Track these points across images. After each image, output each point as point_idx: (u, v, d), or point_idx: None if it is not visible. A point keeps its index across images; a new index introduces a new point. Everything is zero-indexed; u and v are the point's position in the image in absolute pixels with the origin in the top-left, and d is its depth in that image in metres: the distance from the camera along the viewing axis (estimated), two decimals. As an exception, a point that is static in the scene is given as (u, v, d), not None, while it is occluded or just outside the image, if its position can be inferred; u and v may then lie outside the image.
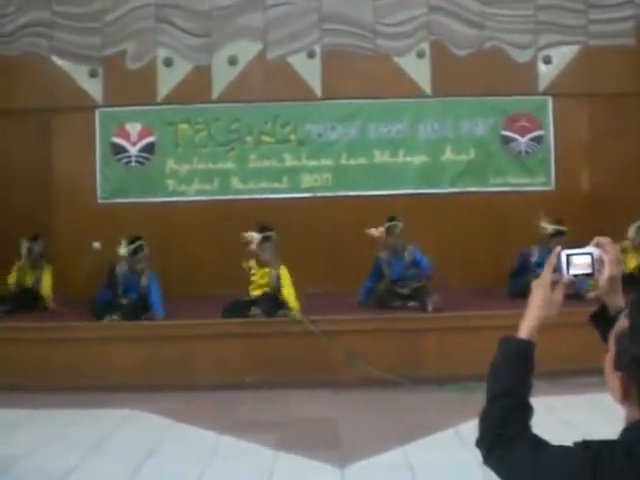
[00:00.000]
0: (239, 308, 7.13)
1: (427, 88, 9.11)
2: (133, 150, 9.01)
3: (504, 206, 8.95)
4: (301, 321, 6.76)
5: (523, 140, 9.14)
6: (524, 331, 1.58)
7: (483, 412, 1.55)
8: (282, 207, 8.85)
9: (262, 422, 5.71)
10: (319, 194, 9.02)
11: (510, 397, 1.51)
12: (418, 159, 9.14)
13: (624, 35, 9.21)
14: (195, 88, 9.01)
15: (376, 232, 7.51)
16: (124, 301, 7.34)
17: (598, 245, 1.60)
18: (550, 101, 9.19)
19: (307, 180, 9.04)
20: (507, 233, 8.69)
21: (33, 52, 8.95)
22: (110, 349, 6.77)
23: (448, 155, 9.12)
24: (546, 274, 1.61)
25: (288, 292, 7.09)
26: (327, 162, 9.06)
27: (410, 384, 6.46)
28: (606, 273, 1.58)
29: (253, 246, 7.15)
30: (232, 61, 9.00)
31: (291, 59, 9.04)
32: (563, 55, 9.20)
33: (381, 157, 9.09)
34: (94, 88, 9.13)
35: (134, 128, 9.01)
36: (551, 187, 9.17)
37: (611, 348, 1.35)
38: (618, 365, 1.32)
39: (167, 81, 9.05)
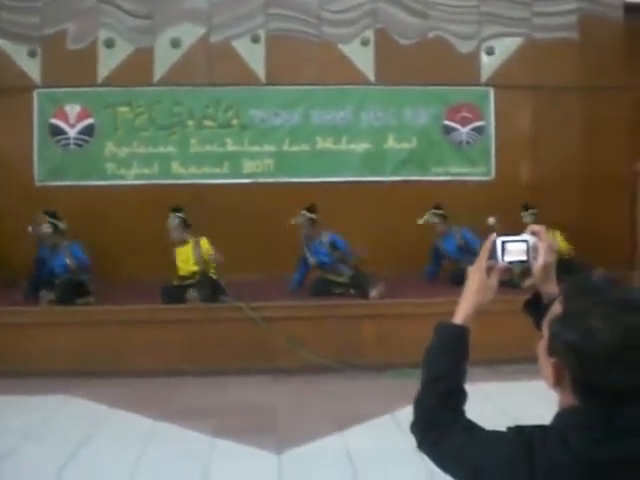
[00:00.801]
0: (175, 293, 7.12)
1: (371, 76, 9.19)
2: (72, 132, 8.92)
3: (445, 195, 9.03)
4: (240, 307, 6.77)
5: (464, 130, 9.29)
6: (459, 317, 1.60)
7: (417, 397, 1.57)
8: (223, 192, 8.87)
9: (200, 409, 5.76)
10: (260, 180, 8.98)
11: (444, 382, 1.54)
12: (361, 147, 9.22)
13: (567, 28, 9.40)
14: (136, 70, 8.95)
15: (293, 221, 7.57)
16: (56, 281, 7.27)
17: (533, 233, 1.62)
18: (492, 92, 9.35)
19: (249, 165, 9.06)
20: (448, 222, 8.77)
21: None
22: (46, 334, 6.71)
23: (391, 143, 9.22)
24: (481, 260, 1.63)
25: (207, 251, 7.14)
26: (269, 148, 9.10)
27: (349, 370, 6.53)
28: (540, 260, 1.61)
29: (172, 229, 7.22)
30: (175, 44, 8.94)
31: (235, 43, 9.04)
32: (506, 47, 9.35)
33: (324, 144, 9.15)
34: (33, 68, 9.01)
35: (73, 110, 8.92)
36: (491, 177, 9.34)
37: (545, 334, 1.38)
38: (551, 351, 1.34)
39: (108, 63, 8.96)
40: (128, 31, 8.95)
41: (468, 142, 9.32)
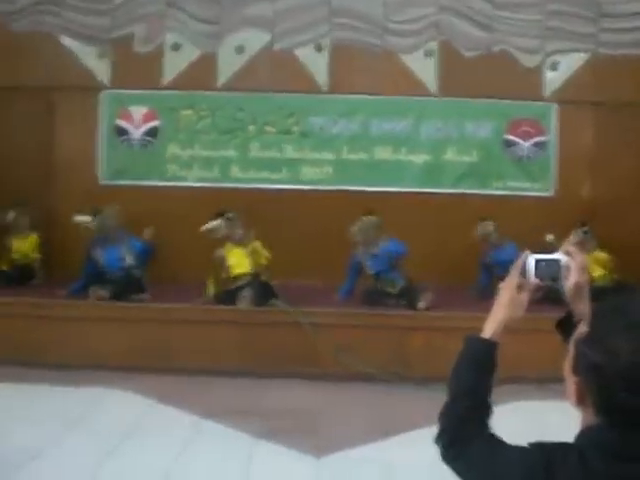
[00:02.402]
0: (228, 296, 7.28)
1: (433, 87, 9.31)
2: (136, 133, 9.23)
3: (504, 210, 9.04)
4: (290, 312, 6.90)
5: (526, 145, 9.29)
6: (488, 331, 1.64)
7: (444, 409, 1.61)
8: (281, 198, 9.08)
9: (244, 409, 5.93)
10: (319, 187, 9.12)
11: (471, 396, 1.58)
12: (420, 158, 9.34)
13: (634, 45, 9.34)
14: (201, 75, 9.24)
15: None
16: (111, 277, 7.50)
17: (567, 253, 1.65)
18: (555, 107, 9.32)
19: (307, 172, 9.20)
20: (505, 236, 8.77)
21: (42, 30, 9.12)
22: (95, 329, 6.94)
23: (450, 155, 9.31)
24: (512, 276, 1.67)
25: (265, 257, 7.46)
26: (328, 156, 9.26)
27: (395, 381, 6.59)
28: (572, 280, 1.63)
29: (221, 232, 7.37)
30: (239, 50, 9.20)
31: (298, 51, 9.23)
32: (571, 62, 9.37)
33: (382, 153, 9.28)
34: (101, 69, 9.34)
35: (138, 111, 9.20)
36: (551, 193, 9.31)
37: (570, 352, 1.40)
38: (575, 370, 1.36)
39: (173, 66, 9.26)
40: (194, 35, 9.22)
41: (529, 157, 9.35)
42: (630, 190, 9.23)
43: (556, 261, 1.64)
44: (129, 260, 7.69)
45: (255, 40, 9.27)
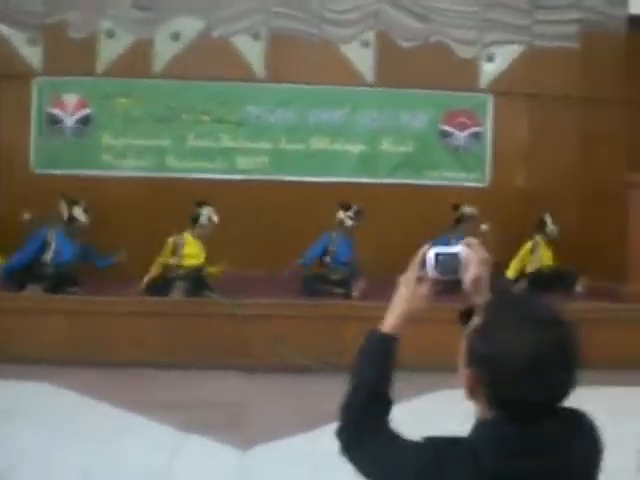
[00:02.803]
0: (164, 285, 7.25)
1: (370, 77, 9.38)
2: (69, 121, 9.08)
3: (439, 200, 9.14)
4: (223, 303, 6.89)
5: (461, 135, 9.38)
6: (387, 325, 1.65)
7: (344, 403, 1.61)
8: (217, 188, 9.03)
9: (173, 402, 5.90)
10: (255, 177, 9.09)
11: (370, 389, 1.58)
12: (356, 148, 9.38)
13: (569, 38, 9.52)
14: (136, 62, 9.18)
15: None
16: (50, 270, 7.39)
17: (468, 246, 1.65)
18: (491, 99, 9.42)
19: (243, 162, 9.16)
20: (441, 226, 8.86)
21: (-28, 16, 8.88)
22: (32, 321, 6.84)
23: (386, 145, 9.37)
24: (412, 270, 1.67)
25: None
26: (265, 145, 9.23)
27: (328, 371, 6.61)
28: (471, 273, 1.62)
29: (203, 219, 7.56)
30: (175, 37, 9.13)
31: (235, 39, 9.17)
32: (507, 54, 9.53)
33: (319, 143, 9.29)
34: (33, 56, 9.19)
35: (71, 99, 9.04)
36: (486, 184, 9.42)
37: (463, 345, 1.42)
38: (467, 362, 1.39)
39: (108, 53, 9.17)
40: (129, 22, 9.13)
41: (464, 148, 9.45)
42: (564, 180, 9.41)
43: (456, 254, 1.63)
44: (63, 255, 7.58)
45: (191, 27, 9.21)
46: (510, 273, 8.35)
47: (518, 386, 1.29)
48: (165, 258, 7.54)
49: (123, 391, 6.05)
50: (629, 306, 7.61)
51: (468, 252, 1.63)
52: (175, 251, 7.59)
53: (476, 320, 1.41)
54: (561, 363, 1.32)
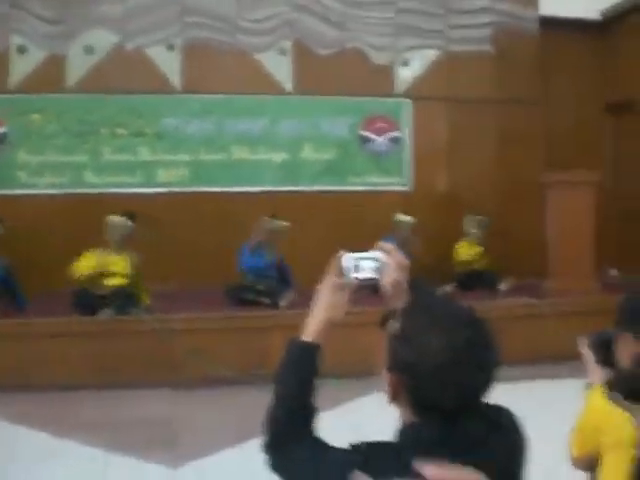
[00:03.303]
0: (89, 303, 7.09)
1: (288, 86, 9.41)
2: (-17, 140, 8.84)
3: (362, 205, 9.24)
4: (144, 320, 6.81)
5: (380, 140, 9.45)
6: (308, 333, 1.63)
7: (267, 416, 1.60)
8: (137, 202, 8.90)
9: (98, 423, 5.82)
10: (175, 189, 9.04)
11: (293, 400, 1.57)
12: (278, 156, 9.42)
13: (482, 41, 9.73)
14: (49, 77, 9.05)
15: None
16: None
17: (384, 251, 1.67)
18: (408, 103, 9.54)
19: (163, 175, 9.11)
20: (364, 232, 8.90)
21: None
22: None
23: (308, 153, 9.42)
24: (330, 276, 1.67)
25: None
26: (184, 157, 9.20)
27: (253, 382, 6.59)
28: (389, 278, 1.65)
29: (126, 231, 7.31)
30: (88, 50, 9.03)
31: (150, 51, 9.11)
32: (422, 59, 9.65)
33: (240, 153, 9.31)
34: (-57, 74, 8.88)
35: (-16, 117, 8.83)
36: (408, 187, 9.55)
37: (384, 348, 1.43)
38: (388, 367, 1.40)
39: (20, 69, 9.01)
40: (40, 37, 9.01)
41: (385, 153, 9.55)
42: (483, 181, 9.60)
43: (373, 258, 1.66)
44: None
45: (105, 40, 9.13)
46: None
47: (435, 389, 1.31)
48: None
49: (47, 415, 5.94)
50: (548, 301, 7.77)
51: (385, 257, 1.66)
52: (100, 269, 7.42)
53: (394, 324, 1.43)
54: (476, 363, 1.34)
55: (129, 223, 7.44)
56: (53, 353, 6.79)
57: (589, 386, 2.19)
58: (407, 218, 8.66)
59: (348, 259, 1.67)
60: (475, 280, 8.64)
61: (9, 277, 7.56)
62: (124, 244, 7.38)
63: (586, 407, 2.11)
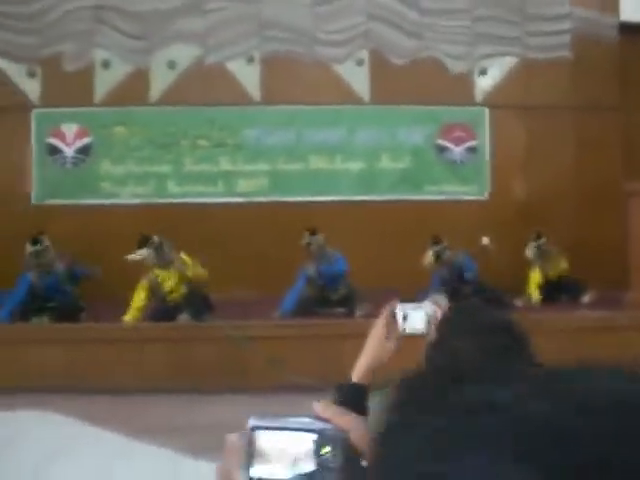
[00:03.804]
0: (165, 313, 7.30)
1: (365, 95, 9.52)
2: (68, 151, 9.28)
3: (439, 214, 9.28)
4: (222, 326, 6.96)
5: (458, 150, 9.52)
6: (356, 374, 1.70)
7: None
8: (218, 211, 9.19)
9: (174, 427, 5.92)
10: (255, 199, 9.23)
11: None
12: (355, 166, 9.52)
13: (561, 48, 9.69)
14: (132, 90, 9.33)
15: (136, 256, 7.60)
16: (51, 304, 7.46)
17: (435, 302, 1.71)
18: (486, 112, 9.62)
19: (243, 185, 9.31)
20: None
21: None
22: (32, 351, 6.93)
23: (384, 162, 9.52)
24: (380, 324, 1.71)
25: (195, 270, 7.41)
26: (263, 167, 9.39)
27: (330, 390, 6.66)
28: (433, 333, 1.65)
29: (150, 261, 7.32)
30: (171, 64, 9.30)
31: (230, 64, 9.34)
32: (499, 66, 9.70)
33: (317, 163, 9.46)
34: (31, 88, 9.41)
35: (70, 129, 9.28)
36: (485, 197, 9.57)
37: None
38: None
39: (104, 83, 9.36)
40: (124, 52, 9.32)
41: (462, 161, 9.57)
42: (562, 189, 9.54)
43: (422, 310, 1.69)
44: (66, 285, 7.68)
45: (186, 54, 9.42)
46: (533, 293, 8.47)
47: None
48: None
49: (125, 417, 6.08)
50: (627, 314, 7.65)
51: (434, 309, 1.69)
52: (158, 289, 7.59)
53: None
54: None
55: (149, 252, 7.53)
56: (131, 357, 7.01)
57: None
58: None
59: (399, 308, 1.70)
60: (557, 291, 8.58)
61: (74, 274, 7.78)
62: (166, 262, 7.50)
63: None
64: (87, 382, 6.83)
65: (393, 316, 1.69)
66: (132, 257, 7.54)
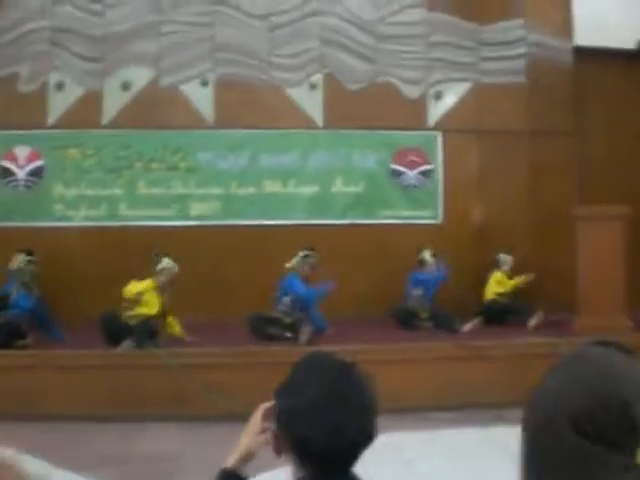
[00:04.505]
0: (116, 331, 7.34)
1: (319, 120, 9.64)
2: (21, 174, 9.31)
3: (393, 238, 9.39)
4: (160, 354, 7.00)
5: (412, 174, 9.61)
6: (229, 461, 1.76)
7: None
8: (170, 235, 9.19)
9: (107, 456, 5.95)
10: (208, 222, 9.29)
11: None
12: (309, 190, 9.64)
13: (515, 73, 9.87)
14: (86, 113, 9.43)
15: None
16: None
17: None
18: (440, 136, 9.67)
19: (196, 208, 9.36)
20: (395, 265, 9.08)
21: None
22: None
23: (338, 187, 9.63)
24: (257, 418, 1.74)
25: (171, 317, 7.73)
26: (217, 191, 9.45)
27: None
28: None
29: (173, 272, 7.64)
30: (124, 87, 9.37)
31: (184, 87, 9.40)
32: (454, 91, 9.86)
33: (272, 187, 9.53)
34: (-17, 110, 9.31)
35: (22, 151, 9.27)
36: (439, 220, 9.66)
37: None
38: (274, 423, 1.50)
39: (58, 105, 9.39)
40: (78, 74, 9.41)
41: (416, 186, 9.68)
42: (515, 213, 9.67)
43: None
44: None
45: (140, 77, 9.52)
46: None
47: (307, 429, 1.39)
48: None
49: (57, 446, 6.08)
50: (568, 339, 7.73)
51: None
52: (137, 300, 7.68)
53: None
54: (348, 406, 1.42)
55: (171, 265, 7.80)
56: (70, 384, 7.01)
57: None
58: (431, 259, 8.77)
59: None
60: (504, 314, 8.72)
61: (41, 310, 7.86)
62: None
63: None
64: (27, 409, 6.85)
65: (269, 413, 1.68)
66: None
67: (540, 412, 1.10)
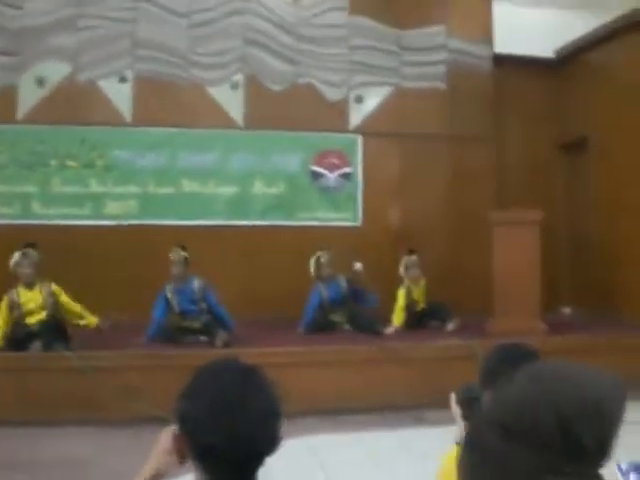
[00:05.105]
0: (19, 341, 7.19)
1: (240, 120, 9.65)
2: None
3: (312, 240, 9.43)
4: (70, 357, 6.90)
5: (332, 176, 9.69)
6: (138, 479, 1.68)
7: None
8: (85, 234, 9.15)
9: (17, 461, 5.83)
10: (124, 222, 9.21)
11: None
12: (228, 190, 9.64)
13: (436, 78, 10.05)
14: (0, 108, 9.07)
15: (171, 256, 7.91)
16: None
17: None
18: (360, 139, 9.77)
19: (112, 207, 9.26)
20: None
21: None
22: None
23: (258, 188, 9.66)
24: (168, 437, 1.63)
25: (76, 307, 7.48)
26: (134, 189, 9.36)
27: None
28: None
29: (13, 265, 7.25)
30: (39, 82, 9.19)
31: (102, 83, 9.29)
32: (375, 95, 9.94)
33: (190, 187, 9.49)
34: None
35: None
36: (358, 223, 9.76)
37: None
38: (177, 423, 1.50)
39: (-29, 100, 9.09)
40: (-7, 67, 9.14)
41: (336, 188, 9.77)
42: (434, 218, 9.86)
43: None
44: None
45: (56, 71, 9.39)
46: (397, 322, 8.67)
47: (208, 432, 1.40)
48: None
49: None
50: (479, 342, 7.89)
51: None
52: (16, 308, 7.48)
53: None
54: (247, 409, 1.43)
55: (33, 253, 7.46)
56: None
57: (458, 442, 2.30)
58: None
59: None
60: (423, 319, 8.82)
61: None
62: (34, 277, 7.39)
63: (439, 469, 2.26)
64: None
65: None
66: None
67: (478, 421, 1.09)
